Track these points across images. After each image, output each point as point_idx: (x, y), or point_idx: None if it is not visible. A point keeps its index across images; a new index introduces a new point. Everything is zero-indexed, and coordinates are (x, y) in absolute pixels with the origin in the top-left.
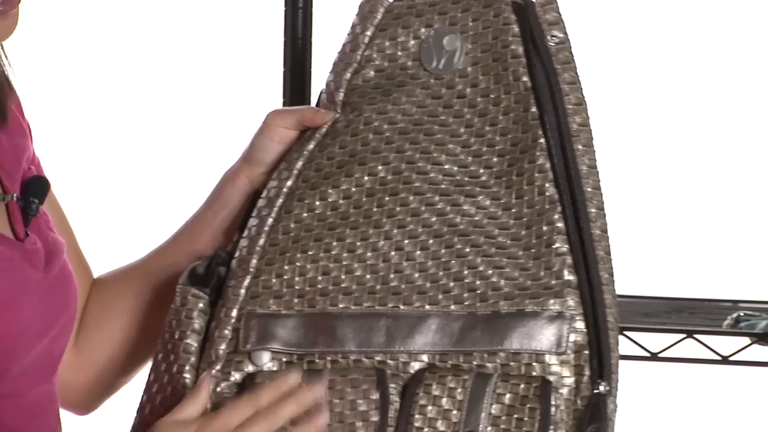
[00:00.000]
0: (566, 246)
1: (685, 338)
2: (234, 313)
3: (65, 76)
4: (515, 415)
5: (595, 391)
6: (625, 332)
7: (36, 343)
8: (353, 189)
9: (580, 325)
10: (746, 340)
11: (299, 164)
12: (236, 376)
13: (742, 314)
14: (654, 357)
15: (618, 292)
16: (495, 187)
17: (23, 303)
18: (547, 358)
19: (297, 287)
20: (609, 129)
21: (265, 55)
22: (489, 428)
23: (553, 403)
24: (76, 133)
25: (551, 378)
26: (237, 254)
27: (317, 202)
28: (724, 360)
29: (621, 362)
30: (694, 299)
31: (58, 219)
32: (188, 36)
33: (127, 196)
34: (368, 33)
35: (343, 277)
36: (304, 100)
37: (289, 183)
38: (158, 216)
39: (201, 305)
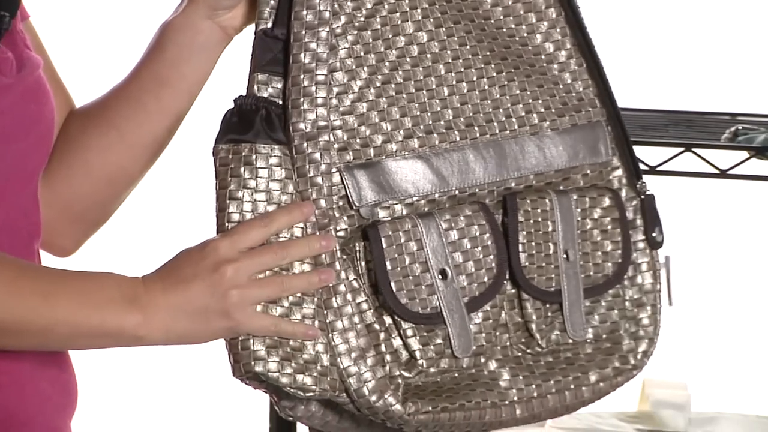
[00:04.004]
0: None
1: (683, 152)
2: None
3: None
4: (600, 228)
5: (648, 193)
6: None
7: (5, 147)
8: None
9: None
10: (744, 154)
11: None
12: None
13: (740, 128)
14: (652, 170)
15: None
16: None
17: None
18: (609, 165)
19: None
20: None
21: None
22: (584, 243)
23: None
24: None
25: (615, 186)
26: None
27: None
28: (722, 174)
29: None
30: (692, 112)
31: (36, 46)
32: None
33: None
34: None
35: (430, 114)
36: None
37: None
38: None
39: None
